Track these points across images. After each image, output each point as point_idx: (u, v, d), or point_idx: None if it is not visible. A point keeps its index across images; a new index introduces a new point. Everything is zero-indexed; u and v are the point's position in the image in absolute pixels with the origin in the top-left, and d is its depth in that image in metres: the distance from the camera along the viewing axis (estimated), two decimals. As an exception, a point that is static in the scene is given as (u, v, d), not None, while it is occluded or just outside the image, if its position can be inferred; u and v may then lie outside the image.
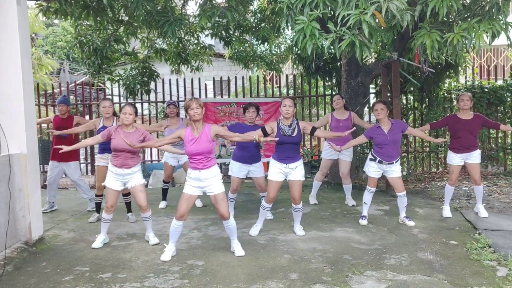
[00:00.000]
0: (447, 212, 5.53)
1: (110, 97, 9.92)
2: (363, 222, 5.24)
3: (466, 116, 5.36)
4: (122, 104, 9.41)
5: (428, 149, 8.98)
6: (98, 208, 5.72)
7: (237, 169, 5.41)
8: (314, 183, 6.45)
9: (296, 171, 4.66)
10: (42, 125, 9.83)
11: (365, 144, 8.77)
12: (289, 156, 4.64)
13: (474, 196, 5.72)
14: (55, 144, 6.14)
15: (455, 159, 5.41)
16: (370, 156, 5.27)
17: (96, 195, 5.71)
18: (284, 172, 4.67)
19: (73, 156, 6.23)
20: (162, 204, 6.44)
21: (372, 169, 5.21)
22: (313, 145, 9.71)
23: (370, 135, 5.21)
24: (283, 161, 4.64)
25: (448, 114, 8.78)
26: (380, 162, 5.13)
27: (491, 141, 8.68)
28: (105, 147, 5.35)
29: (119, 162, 4.52)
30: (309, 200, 6.40)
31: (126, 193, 5.58)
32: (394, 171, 5.14)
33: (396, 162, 5.12)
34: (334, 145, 5.19)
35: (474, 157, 5.34)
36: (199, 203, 6.45)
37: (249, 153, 5.34)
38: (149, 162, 9.95)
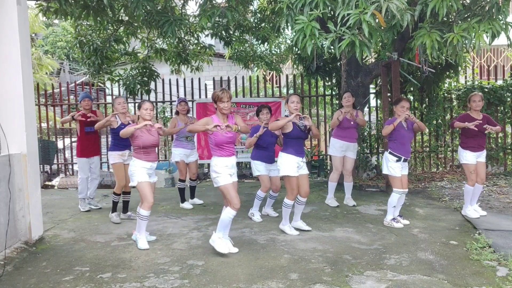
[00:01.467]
0: (472, 211, 5.41)
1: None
2: (404, 221, 5.12)
3: (478, 116, 5.37)
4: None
5: (428, 149, 8.99)
6: (114, 207, 5.66)
7: (264, 168, 5.51)
8: (330, 184, 6.28)
9: (305, 165, 4.84)
10: (42, 124, 9.87)
11: (365, 144, 8.77)
12: (302, 150, 4.85)
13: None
14: (83, 139, 6.27)
15: (472, 158, 5.38)
16: (391, 157, 5.05)
17: (116, 194, 5.62)
18: (299, 166, 4.78)
19: (97, 151, 6.41)
20: (188, 205, 6.44)
21: (398, 169, 5.04)
22: (313, 145, 9.70)
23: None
24: (300, 154, 4.80)
25: (447, 114, 8.81)
26: (405, 160, 5.06)
27: (491, 141, 8.68)
28: (125, 144, 5.46)
29: (152, 157, 4.67)
30: (329, 203, 6.23)
31: (127, 192, 5.62)
32: (407, 167, 5.17)
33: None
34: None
35: (483, 156, 5.45)
36: (199, 201, 6.56)
37: (270, 152, 5.52)
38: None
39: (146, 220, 4.59)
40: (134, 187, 4.80)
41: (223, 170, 4.18)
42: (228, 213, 4.21)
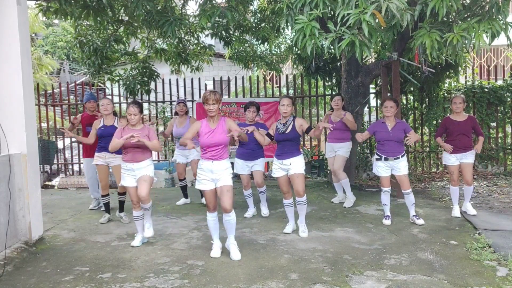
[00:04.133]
0: (455, 211, 5.52)
1: (109, 96, 9.93)
2: (386, 222, 5.22)
3: (459, 118, 5.42)
4: (122, 104, 9.44)
5: (428, 149, 8.98)
6: (107, 208, 5.67)
7: (240, 167, 5.66)
8: (335, 185, 6.44)
9: (293, 166, 4.74)
10: (42, 124, 9.87)
11: (365, 144, 8.77)
12: (284, 153, 4.79)
13: (474, 196, 5.71)
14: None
15: (450, 159, 5.45)
16: (375, 156, 5.28)
17: (102, 195, 5.66)
18: (282, 168, 4.81)
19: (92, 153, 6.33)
20: (182, 201, 6.67)
21: (380, 169, 5.20)
22: (313, 145, 9.70)
23: (374, 129, 5.28)
24: (279, 157, 4.84)
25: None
26: (386, 159, 5.14)
27: (491, 141, 8.68)
28: (104, 145, 5.30)
29: (128, 158, 4.60)
30: (345, 205, 6.15)
31: (122, 192, 5.58)
32: (401, 167, 5.13)
33: (402, 157, 5.12)
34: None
35: (468, 157, 5.39)
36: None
37: (249, 149, 5.57)
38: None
39: (139, 220, 4.65)
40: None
41: (200, 173, 4.16)
42: (207, 216, 4.29)
